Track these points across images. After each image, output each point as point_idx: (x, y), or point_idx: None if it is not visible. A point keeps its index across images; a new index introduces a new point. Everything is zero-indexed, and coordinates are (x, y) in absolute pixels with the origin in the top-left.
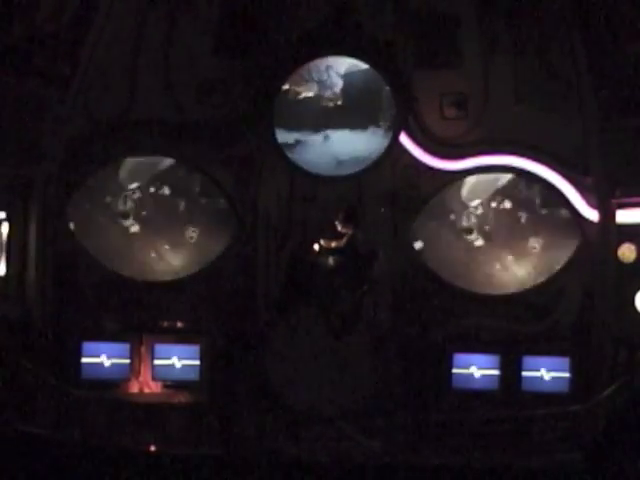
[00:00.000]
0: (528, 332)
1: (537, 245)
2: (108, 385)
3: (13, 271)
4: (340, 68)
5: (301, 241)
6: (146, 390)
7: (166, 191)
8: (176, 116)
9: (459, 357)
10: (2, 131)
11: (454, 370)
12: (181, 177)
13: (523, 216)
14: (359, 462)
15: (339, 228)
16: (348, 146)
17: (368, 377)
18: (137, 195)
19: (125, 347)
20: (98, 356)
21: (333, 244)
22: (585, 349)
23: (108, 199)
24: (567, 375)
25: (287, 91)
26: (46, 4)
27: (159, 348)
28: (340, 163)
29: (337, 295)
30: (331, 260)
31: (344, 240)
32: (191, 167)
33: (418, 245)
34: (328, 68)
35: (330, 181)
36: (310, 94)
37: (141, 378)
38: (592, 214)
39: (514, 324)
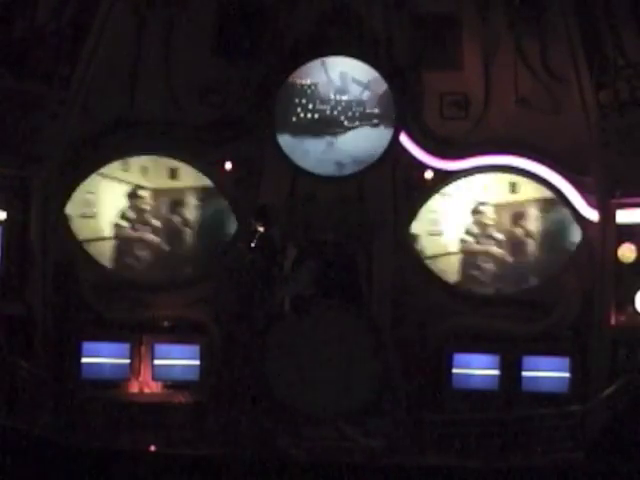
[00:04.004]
0: (528, 332)
1: (537, 245)
2: (108, 385)
3: (13, 271)
4: (341, 68)
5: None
6: (146, 390)
7: (166, 191)
8: (176, 116)
9: (459, 357)
10: (2, 131)
11: (454, 370)
12: (181, 177)
13: (523, 216)
14: (359, 462)
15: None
16: (348, 146)
17: (368, 377)
18: (137, 195)
19: (125, 347)
20: (98, 356)
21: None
22: (585, 349)
23: (108, 199)
24: (567, 375)
25: (287, 91)
26: (46, 4)
27: (159, 348)
28: (341, 163)
29: (252, 292)
30: (248, 258)
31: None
32: (191, 167)
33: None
34: (328, 68)
35: (331, 181)
36: (310, 95)
37: (141, 378)
38: (592, 214)
39: (514, 324)
